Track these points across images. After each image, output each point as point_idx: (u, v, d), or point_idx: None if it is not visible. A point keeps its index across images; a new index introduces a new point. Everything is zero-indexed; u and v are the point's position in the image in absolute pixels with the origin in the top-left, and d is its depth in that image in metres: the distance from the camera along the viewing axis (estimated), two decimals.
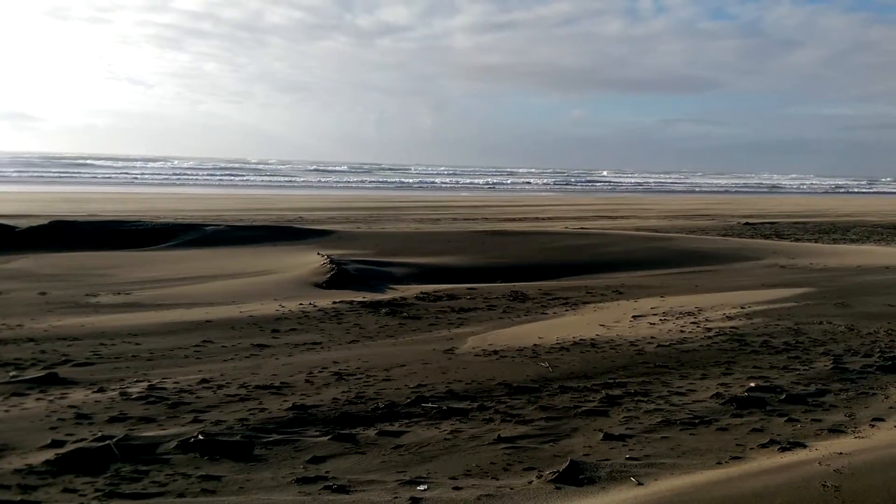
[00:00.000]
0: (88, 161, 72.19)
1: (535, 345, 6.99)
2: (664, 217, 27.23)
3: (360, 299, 9.40)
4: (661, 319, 8.13)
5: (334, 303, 9.13)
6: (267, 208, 27.00)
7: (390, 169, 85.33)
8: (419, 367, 6.22)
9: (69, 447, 4.19)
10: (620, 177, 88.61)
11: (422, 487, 3.77)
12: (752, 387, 5.60)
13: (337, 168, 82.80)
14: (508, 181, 70.66)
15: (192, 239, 14.77)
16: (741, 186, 75.45)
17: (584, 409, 5.15)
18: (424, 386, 5.62)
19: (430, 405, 5.15)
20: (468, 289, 10.36)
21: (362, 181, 62.80)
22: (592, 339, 7.16)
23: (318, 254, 12.47)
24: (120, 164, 72.85)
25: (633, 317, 8.33)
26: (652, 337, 7.23)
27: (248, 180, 57.92)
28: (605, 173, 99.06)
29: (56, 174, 54.14)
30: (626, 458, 4.24)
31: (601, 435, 4.61)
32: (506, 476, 4.03)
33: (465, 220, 23.96)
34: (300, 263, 11.87)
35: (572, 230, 18.26)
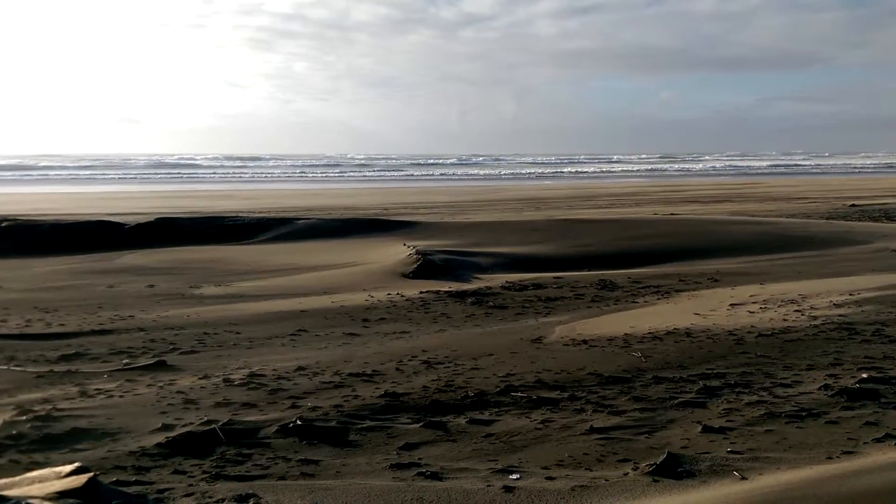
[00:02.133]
0: (191, 161, 76.25)
1: (625, 334, 6.81)
2: (762, 200, 25.90)
3: (446, 289, 9.47)
4: (761, 308, 7.74)
5: (421, 293, 9.24)
6: (354, 202, 27.66)
7: (473, 160, 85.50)
8: (507, 356, 6.20)
9: (178, 431, 4.44)
10: (713, 160, 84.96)
11: (514, 476, 3.76)
12: (864, 378, 5.24)
13: (423, 161, 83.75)
14: (593, 168, 69.26)
15: (285, 232, 15.33)
16: (847, 167, 70.63)
17: (680, 400, 4.97)
18: (513, 375, 5.60)
19: (519, 394, 5.13)
20: (554, 278, 10.23)
21: (444, 174, 63.18)
22: (687, 329, 6.91)
23: (405, 245, 12.64)
24: (218, 163, 76.58)
25: (731, 305, 7.97)
26: (752, 326, 6.89)
27: (335, 175, 59.54)
28: (696, 156, 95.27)
29: (162, 174, 57.49)
30: (728, 452, 4.06)
31: (700, 427, 4.44)
32: (599, 467, 3.95)
33: (549, 208, 23.67)
34: (387, 255, 12.09)
35: (662, 216, 17.67)
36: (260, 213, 19.28)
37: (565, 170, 66.82)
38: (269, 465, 3.99)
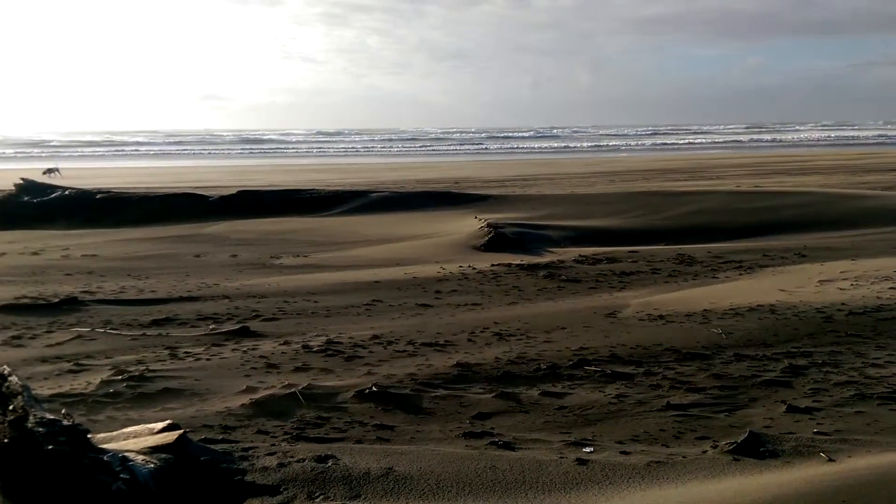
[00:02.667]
0: (272, 136, 78.47)
1: (705, 310, 6.60)
2: (854, 172, 24.38)
3: (517, 262, 9.42)
4: (852, 284, 7.33)
5: (493, 265, 9.22)
6: (427, 175, 27.79)
7: (549, 132, 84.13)
8: (580, 329, 6.13)
9: (261, 393, 4.63)
10: (801, 129, 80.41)
11: (587, 449, 3.73)
12: None
13: (498, 134, 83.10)
14: (673, 139, 66.88)
15: (359, 205, 15.59)
16: None
17: (763, 378, 4.80)
18: (586, 349, 5.53)
19: (593, 368, 5.07)
20: (629, 251, 10.00)
21: (518, 147, 62.50)
22: (772, 305, 6.63)
23: (476, 217, 12.63)
24: (294, 137, 78.46)
25: (820, 281, 7.58)
26: (842, 303, 6.54)
27: (412, 149, 59.94)
28: (785, 126, 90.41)
29: (242, 149, 59.44)
30: (814, 433, 3.90)
31: (784, 407, 4.27)
32: (677, 444, 3.87)
33: (624, 181, 23.07)
34: (459, 227, 12.11)
35: (745, 189, 16.92)
36: (337, 186, 19.66)
37: (645, 141, 64.87)
38: (346, 428, 4.12)
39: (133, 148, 60.24)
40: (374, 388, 4.60)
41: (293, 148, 62.10)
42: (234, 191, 16.27)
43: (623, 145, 60.25)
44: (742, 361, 5.16)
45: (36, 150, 54.93)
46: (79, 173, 29.54)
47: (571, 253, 10.02)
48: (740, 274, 8.50)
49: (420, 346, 5.71)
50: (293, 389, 4.61)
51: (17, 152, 53.51)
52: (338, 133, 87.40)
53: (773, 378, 4.80)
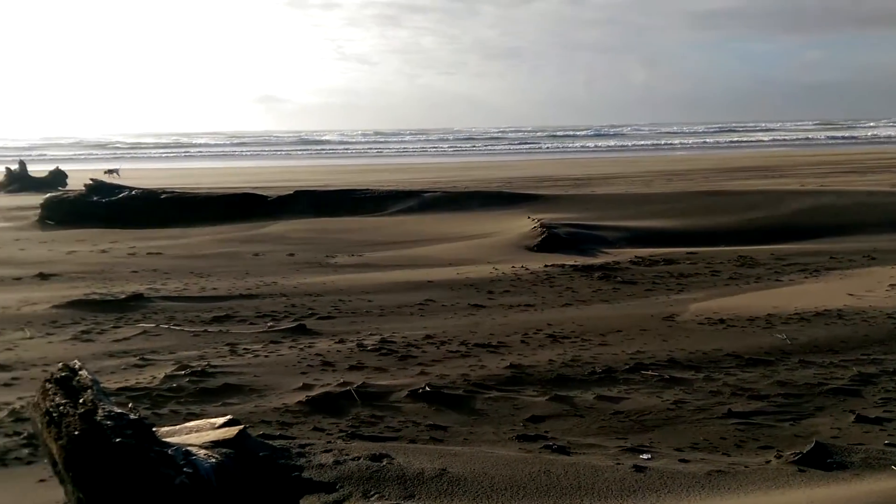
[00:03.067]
0: (325, 137, 79.94)
1: (768, 314, 6.39)
2: None
3: (571, 263, 9.31)
4: None
5: (546, 266, 9.14)
6: (480, 175, 27.77)
7: (605, 131, 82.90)
8: (636, 333, 6.02)
9: (317, 391, 4.71)
10: (867, 126, 76.89)
11: (645, 456, 3.65)
12: None
13: (552, 132, 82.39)
14: (733, 137, 64.95)
15: (412, 205, 15.68)
16: None
17: (830, 386, 4.61)
18: (643, 353, 5.42)
19: (650, 373, 4.97)
20: (688, 253, 9.75)
21: (567, 146, 61.85)
22: (839, 310, 6.36)
23: (529, 217, 12.53)
24: (349, 138, 79.72)
25: (890, 286, 7.24)
26: None
27: (461, 148, 60.03)
28: (854, 122, 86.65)
29: (300, 150, 60.69)
30: (885, 444, 3.73)
31: (853, 416, 4.09)
32: (738, 453, 3.76)
33: (683, 180, 22.52)
34: (511, 227, 12.05)
35: (810, 188, 16.28)
36: (391, 186, 19.84)
37: (705, 139, 63.25)
38: (400, 427, 4.15)
39: (197, 149, 62.27)
40: (427, 388, 4.62)
41: (348, 148, 63.06)
42: (290, 191, 16.59)
43: (680, 143, 58.87)
44: (808, 368, 4.97)
45: (104, 152, 57.41)
46: (146, 174, 30.79)
47: (627, 254, 9.84)
48: (805, 277, 8.18)
49: (473, 347, 5.71)
50: (348, 388, 4.67)
51: (87, 154, 56.12)
52: (393, 133, 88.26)
53: (840, 386, 4.60)
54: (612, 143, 62.70)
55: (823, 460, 3.53)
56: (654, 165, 31.35)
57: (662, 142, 61.58)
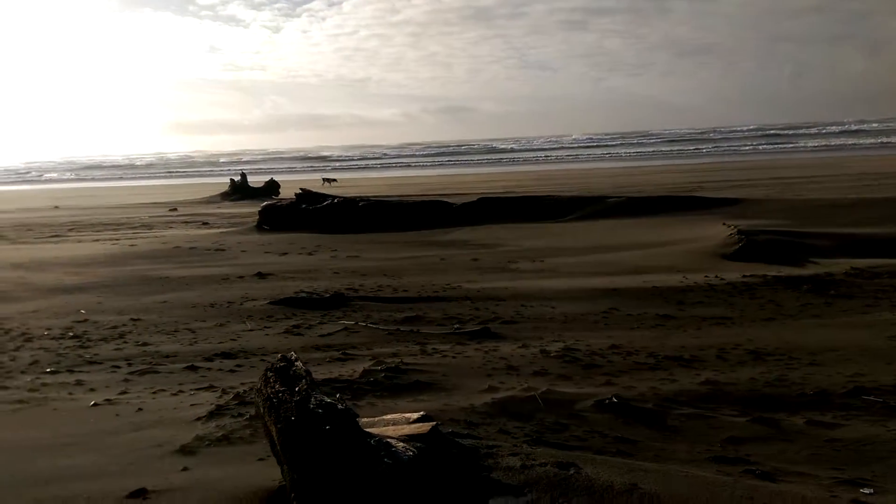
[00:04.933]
0: (509, 145, 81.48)
1: None
2: None
3: (774, 273, 8.55)
4: None
5: (744, 276, 8.48)
6: (666, 179, 26.50)
7: (804, 128, 75.04)
8: (855, 353, 5.37)
9: (502, 394, 4.78)
10: None
11: (867, 490, 3.25)
12: None
13: (742, 131, 76.42)
14: None
15: (596, 210, 15.38)
16: None
17: None
18: (863, 376, 4.83)
19: (872, 398, 4.41)
20: None
21: (763, 146, 56.78)
22: None
23: (724, 224, 11.71)
24: (531, 143, 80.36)
25: None
26: None
27: (646, 151, 57.71)
28: None
29: (483, 159, 62.41)
30: None
31: None
32: None
33: None
34: (704, 234, 11.35)
35: None
36: (574, 192, 19.65)
37: None
38: (586, 437, 4.08)
39: (391, 160, 66.98)
40: (614, 399, 4.50)
41: (530, 154, 63.43)
42: (474, 198, 17.06)
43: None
44: None
45: (321, 164, 64.33)
46: (354, 182, 33.97)
47: (841, 265, 8.83)
48: None
49: (662, 360, 5.46)
50: (533, 393, 4.69)
51: (305, 166, 63.23)
52: (571, 138, 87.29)
53: None
54: (818, 141, 56.58)
55: None
56: (872, 165, 27.78)
57: (887, 138, 54.33)
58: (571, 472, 3.40)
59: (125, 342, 6.72)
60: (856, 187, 18.91)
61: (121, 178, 59.65)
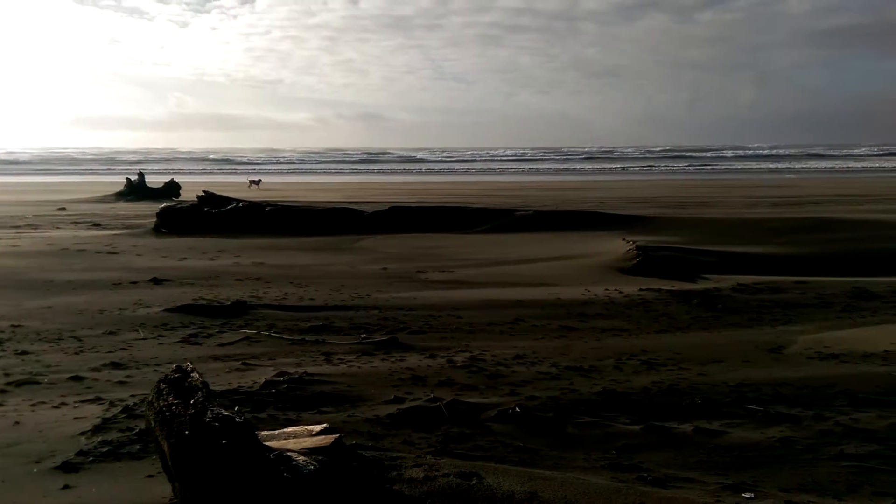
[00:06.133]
0: (422, 155, 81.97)
1: (885, 351, 5.94)
2: None
3: (668, 288, 9.01)
4: None
5: (641, 290, 8.89)
6: (570, 195, 27.44)
7: (701, 151, 79.92)
8: (739, 364, 5.73)
9: (408, 404, 4.77)
10: None
11: (748, 495, 3.46)
12: None
13: (642, 152, 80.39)
14: (842, 160, 61.07)
15: (503, 223, 15.70)
16: None
17: None
18: (747, 386, 5.16)
19: (754, 407, 4.71)
20: (795, 282, 9.22)
21: (665, 166, 60.04)
22: None
23: (624, 239, 12.25)
24: (445, 155, 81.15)
25: None
26: None
27: (553, 168, 59.56)
28: None
29: (394, 167, 62.44)
30: None
31: None
32: (851, 498, 3.50)
33: (788, 204, 21.37)
34: (605, 249, 11.82)
35: None
36: (483, 204, 19.95)
37: (816, 164, 59.84)
38: (489, 447, 4.13)
39: (309, 165, 66.23)
40: (517, 409, 4.59)
41: (443, 165, 64.05)
42: (385, 206, 17.01)
43: (788, 167, 55.90)
44: None
45: (228, 167, 62.56)
46: (278, 186, 33.51)
47: (728, 281, 9.42)
48: None
49: (564, 370, 5.62)
50: (438, 403, 4.71)
51: (212, 168, 61.35)
52: (483, 151, 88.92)
53: None
54: (712, 164, 60.34)
55: None
56: (758, 189, 29.91)
57: (769, 164, 58.68)
58: (474, 482, 3.43)
59: (2, 350, 6.22)
60: (745, 208, 20.28)
61: (5, 174, 55.42)
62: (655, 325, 7.30)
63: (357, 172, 54.98)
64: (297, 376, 5.35)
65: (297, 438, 3.71)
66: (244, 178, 37.80)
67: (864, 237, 12.34)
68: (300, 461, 3.11)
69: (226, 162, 71.52)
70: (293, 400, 4.93)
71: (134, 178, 27.85)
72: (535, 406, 4.73)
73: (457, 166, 63.29)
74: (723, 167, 56.41)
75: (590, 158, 72.25)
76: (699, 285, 9.27)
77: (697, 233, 13.56)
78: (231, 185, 33.00)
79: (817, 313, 7.68)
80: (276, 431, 3.85)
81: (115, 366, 5.80)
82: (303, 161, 74.45)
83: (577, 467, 3.86)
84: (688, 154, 74.91)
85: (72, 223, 17.67)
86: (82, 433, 4.31)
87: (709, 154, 75.42)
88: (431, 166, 64.30)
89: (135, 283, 9.50)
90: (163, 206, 16.87)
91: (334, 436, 3.53)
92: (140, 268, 10.68)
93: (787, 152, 76.68)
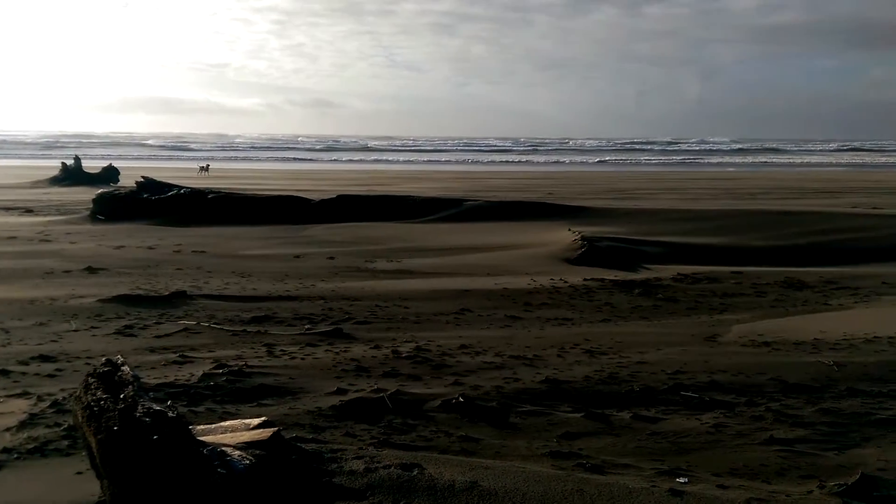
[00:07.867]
0: (374, 144, 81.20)
1: (815, 339, 6.18)
2: None
3: (611, 277, 9.19)
4: None
5: (585, 280, 9.03)
6: (519, 185, 27.66)
7: (647, 144, 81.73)
8: (677, 352, 5.88)
9: (351, 396, 4.72)
10: None
11: (682, 480, 3.55)
12: None
13: (590, 144, 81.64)
14: (782, 155, 63.37)
15: (452, 213, 15.70)
16: None
17: (879, 416, 4.43)
18: (683, 373, 5.30)
19: (689, 394, 4.84)
20: (732, 272, 9.52)
21: (612, 158, 61.17)
22: (891, 338, 6.12)
23: (569, 230, 12.41)
24: (397, 144, 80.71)
25: None
26: None
27: (503, 158, 59.92)
28: None
29: (347, 157, 61.67)
30: None
31: None
32: (779, 481, 3.63)
33: (729, 197, 22.06)
34: (552, 239, 11.95)
35: (863, 210, 15.76)
36: (432, 194, 19.90)
37: (756, 158, 61.86)
38: (432, 437, 4.13)
39: (256, 153, 64.60)
40: (460, 399, 4.60)
41: (395, 155, 63.67)
42: (333, 195, 16.79)
43: (730, 161, 57.68)
44: (855, 397, 4.79)
45: (178, 153, 60.64)
46: (227, 172, 32.64)
47: (669, 271, 9.66)
48: (856, 302, 7.90)
49: (508, 359, 5.66)
50: (382, 394, 4.68)
51: (155, 154, 59.27)
52: (435, 140, 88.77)
53: (889, 417, 4.42)
54: (657, 156, 61.76)
55: (869, 493, 3.39)
56: (701, 181, 30.76)
57: (711, 158, 60.40)
58: (415, 472, 3.41)
59: None
60: (688, 200, 20.81)
61: None
62: (598, 314, 7.42)
63: (311, 161, 54.11)
64: (237, 368, 5.23)
65: (235, 433, 3.62)
66: (194, 165, 36.71)
67: (799, 230, 12.82)
68: (235, 456, 3.04)
69: (174, 148, 69.26)
70: (232, 393, 4.82)
71: (70, 162, 26.74)
72: (478, 395, 4.75)
73: (409, 155, 63.00)
74: (671, 160, 57.78)
75: (540, 149, 72.97)
76: (641, 275, 9.47)
77: (641, 223, 13.85)
78: (180, 170, 32.01)
79: (752, 303, 7.95)
80: (213, 426, 3.75)
81: (45, 359, 5.56)
82: (254, 147, 72.72)
83: (518, 455, 3.89)
84: (637, 147, 76.45)
85: (2, 209, 16.85)
86: (7, 429, 4.12)
87: (656, 147, 77.19)
88: (382, 155, 63.86)
89: (68, 271, 9.13)
90: (99, 191, 16.25)
91: (273, 429, 3.46)
92: (74, 256, 10.27)
93: (731, 146, 79.11)
